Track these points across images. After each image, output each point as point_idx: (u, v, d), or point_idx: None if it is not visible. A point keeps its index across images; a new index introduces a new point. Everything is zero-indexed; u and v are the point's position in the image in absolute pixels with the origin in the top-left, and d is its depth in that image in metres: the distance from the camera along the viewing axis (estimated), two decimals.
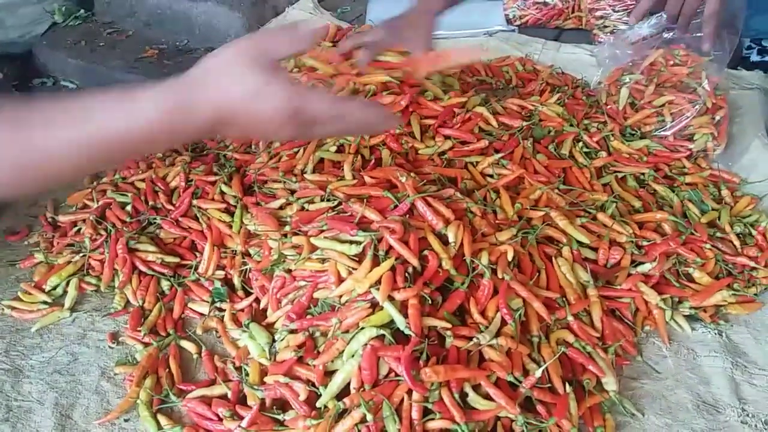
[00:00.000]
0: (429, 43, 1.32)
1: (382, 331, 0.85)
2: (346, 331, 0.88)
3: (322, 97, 0.80)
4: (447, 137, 1.28)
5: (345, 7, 2.31)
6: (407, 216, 0.98)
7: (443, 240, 0.97)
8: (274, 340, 0.98)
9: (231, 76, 0.76)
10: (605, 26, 1.89)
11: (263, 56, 0.77)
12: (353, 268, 0.93)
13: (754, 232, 1.21)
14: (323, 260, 0.98)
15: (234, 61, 0.76)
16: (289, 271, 1.02)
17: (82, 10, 2.35)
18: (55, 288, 1.11)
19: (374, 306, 0.88)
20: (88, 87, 2.05)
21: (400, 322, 0.86)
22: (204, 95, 0.76)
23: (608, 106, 1.48)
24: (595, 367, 0.93)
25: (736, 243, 1.18)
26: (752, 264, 1.14)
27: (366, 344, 0.84)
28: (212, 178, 1.24)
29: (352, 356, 0.85)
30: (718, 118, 1.41)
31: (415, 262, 0.91)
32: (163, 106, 0.75)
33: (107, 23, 2.30)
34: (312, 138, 1.05)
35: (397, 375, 0.84)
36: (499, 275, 0.97)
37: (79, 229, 1.19)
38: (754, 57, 1.82)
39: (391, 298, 0.87)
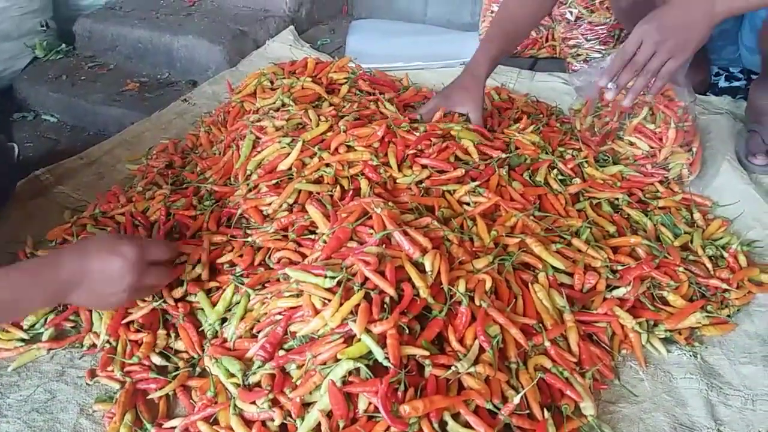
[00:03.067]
0: (480, 106, 1.43)
1: (359, 364, 0.86)
2: (324, 364, 0.88)
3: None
4: (424, 166, 1.30)
5: (324, 39, 2.35)
6: (383, 246, 0.99)
7: (421, 269, 0.99)
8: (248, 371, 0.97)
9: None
10: (578, 54, 1.94)
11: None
12: (328, 300, 0.93)
13: (725, 255, 1.23)
14: (298, 295, 0.98)
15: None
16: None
17: (63, 45, 2.37)
18: (33, 326, 1.10)
19: (351, 338, 0.89)
20: (69, 120, 2.07)
21: (379, 354, 0.86)
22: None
23: (582, 133, 1.51)
24: (573, 392, 0.94)
25: (709, 265, 1.20)
26: (724, 286, 1.16)
27: (344, 377, 0.85)
28: (192, 213, 1.24)
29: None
30: (693, 148, 1.45)
31: (391, 291, 0.93)
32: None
33: (89, 57, 2.33)
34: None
35: (376, 409, 0.84)
36: (477, 302, 0.98)
37: None
38: (722, 83, 1.88)
39: (368, 330, 0.88)
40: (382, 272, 0.94)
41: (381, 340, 0.88)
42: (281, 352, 0.95)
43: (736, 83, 1.86)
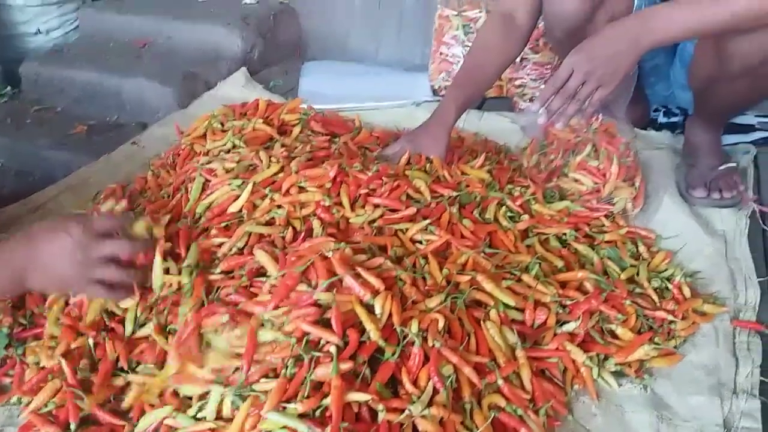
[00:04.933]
0: (444, 152, 1.49)
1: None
2: None
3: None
4: (376, 205, 1.31)
5: (277, 80, 2.37)
6: (334, 290, 0.99)
7: (372, 311, 0.98)
8: None
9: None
10: (524, 94, 2.00)
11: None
12: None
13: (670, 286, 1.27)
14: None
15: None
16: None
17: (8, 88, 2.33)
18: None
19: None
20: (13, 165, 2.02)
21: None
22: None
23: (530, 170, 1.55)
24: (528, 430, 0.94)
25: (655, 297, 1.24)
26: (670, 317, 1.19)
27: None
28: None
29: None
30: (636, 183, 1.50)
31: (335, 339, 0.92)
32: None
33: (35, 100, 2.28)
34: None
35: None
36: (430, 342, 0.98)
37: None
38: (662, 118, 1.96)
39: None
40: (328, 319, 0.93)
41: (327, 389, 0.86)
42: None
43: (674, 118, 1.94)
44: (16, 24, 2.51)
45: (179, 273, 1.10)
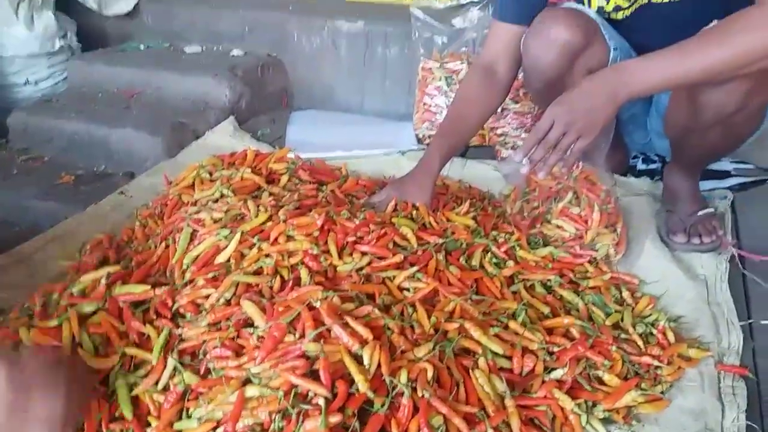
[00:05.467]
0: (429, 199, 1.54)
1: None
2: None
3: None
4: (364, 253, 1.32)
5: (265, 129, 2.40)
6: (321, 340, 0.99)
7: (361, 361, 0.99)
8: None
9: None
10: (506, 142, 2.05)
11: None
12: None
13: (654, 332, 1.28)
14: None
15: None
16: None
17: None
18: None
19: None
20: None
21: None
22: None
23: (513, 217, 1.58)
24: None
25: (640, 343, 1.25)
26: (656, 363, 1.20)
27: None
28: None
29: None
30: (618, 229, 1.53)
31: (323, 392, 0.92)
32: None
33: (22, 150, 2.29)
34: None
35: None
36: (419, 393, 0.98)
37: None
38: (640, 165, 2.01)
39: None
40: (316, 371, 0.94)
41: None
42: None
43: (652, 165, 1.99)
44: (5, 75, 2.54)
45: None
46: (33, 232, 1.79)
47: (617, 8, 1.54)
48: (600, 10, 1.55)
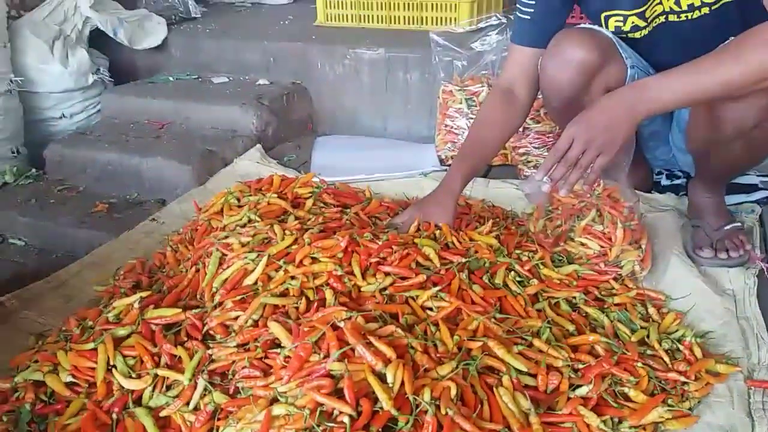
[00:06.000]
0: (452, 219, 1.56)
1: None
2: None
3: None
4: (387, 274, 1.34)
5: (291, 155, 2.46)
6: (345, 360, 1.01)
7: (384, 380, 1.00)
8: None
9: None
10: (528, 161, 2.06)
11: None
12: None
13: (681, 347, 1.27)
14: None
15: None
16: None
17: (33, 170, 2.44)
18: None
19: None
20: (37, 243, 2.09)
21: None
22: None
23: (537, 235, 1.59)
24: None
25: (666, 359, 1.24)
26: (683, 379, 1.19)
27: None
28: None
29: None
30: (642, 245, 1.53)
31: (348, 410, 0.94)
32: None
33: (58, 181, 2.38)
34: None
35: None
36: (443, 411, 0.99)
37: (19, 395, 1.17)
38: (665, 181, 2.00)
39: None
40: (341, 390, 0.96)
41: None
42: None
43: (677, 181, 1.98)
44: (42, 109, 2.65)
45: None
46: (69, 259, 1.86)
47: (635, 28, 1.55)
48: (618, 30, 1.57)
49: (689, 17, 1.46)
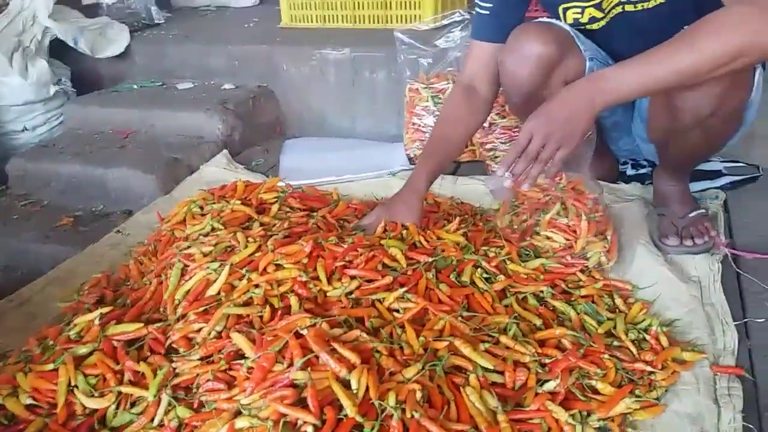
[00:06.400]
0: (418, 218, 1.57)
1: None
2: None
3: None
4: (353, 277, 1.33)
5: (259, 159, 2.43)
6: (309, 368, 1.00)
7: (349, 386, 0.99)
8: None
9: None
10: (495, 157, 2.06)
11: None
12: None
13: (647, 337, 1.28)
14: None
15: None
16: None
17: None
18: None
19: None
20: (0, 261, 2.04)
21: None
22: None
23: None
24: None
25: (633, 349, 1.24)
26: (649, 368, 1.20)
27: None
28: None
29: None
30: (608, 236, 1.53)
31: (311, 419, 0.93)
32: None
33: (22, 195, 2.33)
34: None
35: None
36: (409, 414, 0.99)
37: None
38: (630, 171, 2.02)
39: None
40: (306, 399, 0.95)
41: None
42: None
43: (642, 170, 2.00)
44: (3, 123, 2.60)
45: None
46: (34, 275, 1.81)
47: (593, 19, 1.56)
48: (576, 22, 1.57)
49: (645, 6, 1.47)
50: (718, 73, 1.17)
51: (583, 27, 1.59)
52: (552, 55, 1.48)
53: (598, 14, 1.54)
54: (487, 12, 1.57)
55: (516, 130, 2.03)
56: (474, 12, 1.63)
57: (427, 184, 1.59)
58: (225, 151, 2.37)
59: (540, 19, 1.57)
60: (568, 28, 1.55)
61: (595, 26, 1.58)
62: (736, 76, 1.24)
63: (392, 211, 1.57)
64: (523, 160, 1.28)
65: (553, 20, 1.57)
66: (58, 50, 2.79)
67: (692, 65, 1.17)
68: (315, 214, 1.63)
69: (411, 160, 2.22)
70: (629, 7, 1.48)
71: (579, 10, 1.55)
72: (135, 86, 2.80)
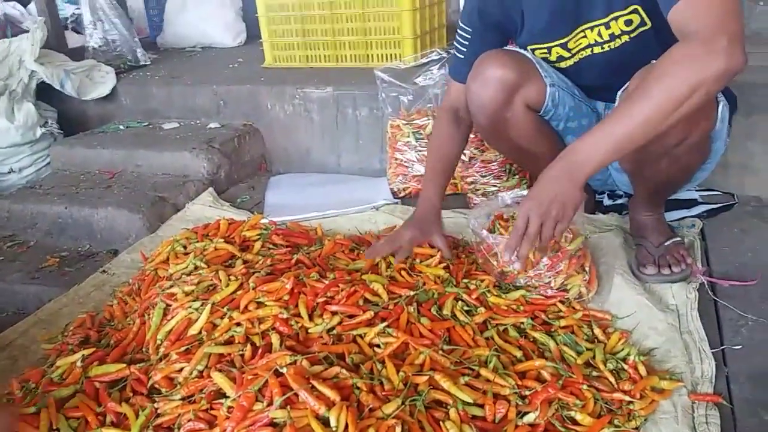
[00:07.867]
0: (442, 233, 1.68)
1: None
2: None
3: None
4: (334, 313, 1.34)
5: (244, 196, 2.46)
6: (288, 406, 1.01)
7: (329, 423, 1.00)
8: None
9: None
10: (477, 189, 2.10)
11: None
12: None
13: (625, 367, 1.30)
14: None
15: None
16: None
17: None
18: None
19: None
20: None
21: None
22: None
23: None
24: None
25: (611, 379, 1.26)
26: (627, 398, 1.21)
27: None
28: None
29: None
30: (587, 268, 1.56)
31: None
32: None
33: (7, 237, 2.33)
34: None
35: None
36: None
37: None
38: (607, 201, 2.06)
39: None
40: None
41: None
42: None
43: (619, 201, 2.04)
44: None
45: None
46: (20, 316, 1.82)
47: (560, 58, 1.62)
48: (544, 60, 1.63)
49: (612, 46, 1.53)
50: (684, 111, 1.17)
51: (552, 65, 1.64)
52: (513, 79, 1.54)
53: (565, 53, 1.60)
54: (463, 56, 1.68)
55: (494, 163, 2.08)
56: (452, 51, 1.72)
57: (439, 198, 1.69)
58: (210, 188, 2.40)
59: (506, 48, 1.64)
60: (531, 56, 1.61)
61: (563, 65, 1.64)
62: (700, 108, 1.27)
63: (422, 231, 1.65)
64: (525, 242, 1.32)
65: (518, 49, 1.63)
66: (45, 92, 2.83)
67: (652, 113, 1.18)
68: (301, 250, 1.65)
69: (395, 193, 2.25)
70: (597, 49, 1.55)
71: (545, 49, 1.62)
72: (121, 127, 2.84)
